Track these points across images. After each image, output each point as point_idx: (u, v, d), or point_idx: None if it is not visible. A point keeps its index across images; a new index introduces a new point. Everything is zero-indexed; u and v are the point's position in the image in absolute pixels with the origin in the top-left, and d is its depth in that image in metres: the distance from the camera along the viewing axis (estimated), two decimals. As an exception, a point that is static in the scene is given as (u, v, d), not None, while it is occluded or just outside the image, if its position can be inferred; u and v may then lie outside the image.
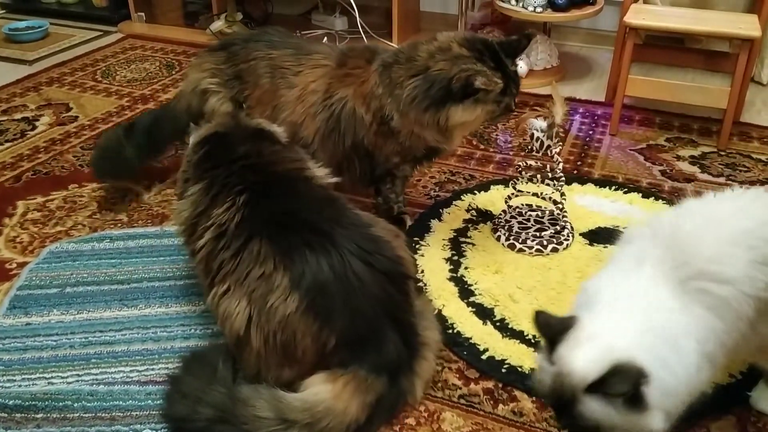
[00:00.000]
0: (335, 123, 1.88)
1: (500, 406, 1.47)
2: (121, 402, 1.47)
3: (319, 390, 1.33)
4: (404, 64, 1.79)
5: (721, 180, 2.33)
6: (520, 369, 1.54)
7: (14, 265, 1.92)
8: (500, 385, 1.52)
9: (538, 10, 2.97)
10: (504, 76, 1.74)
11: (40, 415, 1.44)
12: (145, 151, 2.20)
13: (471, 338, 1.64)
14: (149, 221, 2.11)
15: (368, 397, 1.36)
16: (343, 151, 1.90)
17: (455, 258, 1.93)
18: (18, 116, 2.81)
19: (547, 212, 2.08)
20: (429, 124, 1.78)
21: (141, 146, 2.17)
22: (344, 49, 1.96)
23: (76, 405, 1.46)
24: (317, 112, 1.89)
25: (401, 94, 1.77)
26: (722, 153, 2.51)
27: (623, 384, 1.03)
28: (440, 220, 2.11)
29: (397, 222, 1.99)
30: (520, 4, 3.01)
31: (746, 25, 2.45)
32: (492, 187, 2.28)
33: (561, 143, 1.90)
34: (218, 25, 3.62)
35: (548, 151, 1.91)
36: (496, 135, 2.63)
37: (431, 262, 1.91)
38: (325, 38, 3.53)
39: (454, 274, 1.86)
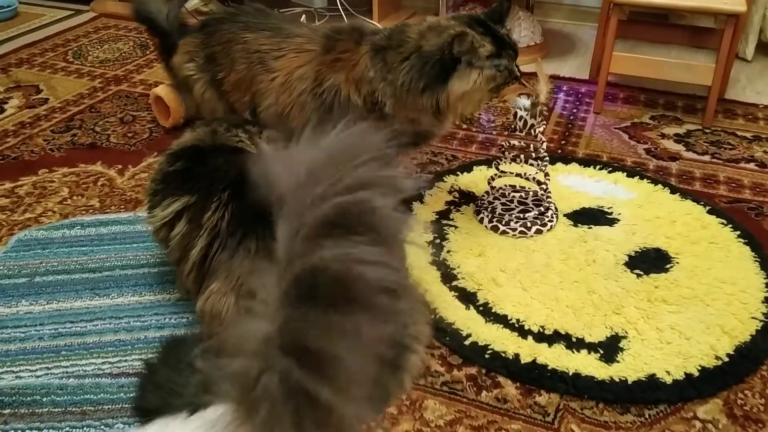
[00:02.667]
0: (327, 112, 1.81)
1: (483, 392, 1.43)
2: (92, 396, 1.42)
3: None
4: (396, 48, 1.73)
5: (706, 158, 2.30)
6: (503, 354, 1.51)
7: (-19, 254, 1.85)
8: (483, 372, 1.48)
9: (521, -15, 2.90)
10: (494, 39, 1.70)
11: (6, 411, 1.38)
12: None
13: (453, 323, 1.60)
14: (122, 207, 2.04)
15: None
16: None
17: (437, 241, 1.88)
18: (-14, 99, 2.72)
19: (531, 193, 2.04)
20: (426, 108, 1.73)
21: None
22: (328, 32, 1.87)
23: (45, 399, 1.41)
24: (306, 101, 1.82)
25: (396, 79, 1.72)
26: (707, 131, 2.48)
27: None
28: (422, 202, 2.06)
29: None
30: (503, -20, 2.94)
31: (731, 0, 2.41)
32: (475, 167, 2.23)
33: (545, 122, 1.86)
34: (194, 3, 3.51)
35: (532, 131, 1.87)
36: (479, 114, 2.58)
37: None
38: (304, 16, 3.44)
39: (436, 258, 1.82)
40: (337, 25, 1.94)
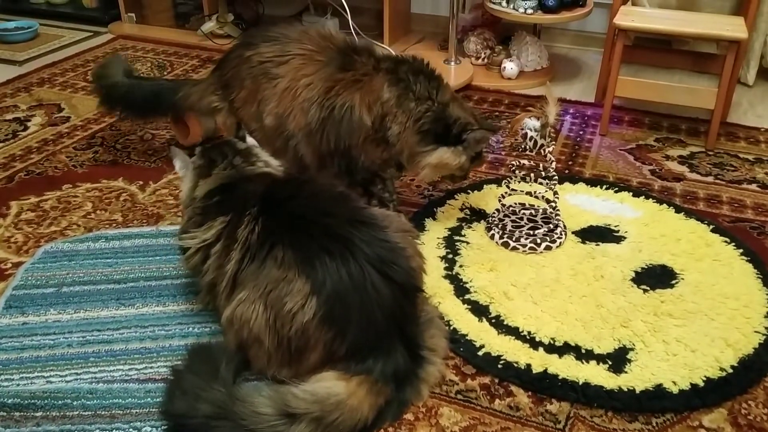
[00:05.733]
0: (334, 125, 1.89)
1: (497, 401, 1.48)
2: (120, 400, 1.47)
3: (332, 385, 1.34)
4: (425, 83, 1.88)
5: (710, 179, 2.37)
6: (515, 365, 1.56)
7: (9, 265, 1.91)
8: (496, 381, 1.53)
9: (529, 11, 3.00)
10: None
11: (39, 414, 1.44)
12: (133, 109, 2.35)
13: (467, 335, 1.65)
14: (144, 221, 2.11)
15: (379, 400, 1.38)
16: (330, 150, 1.92)
17: (450, 256, 1.95)
18: (9, 116, 2.80)
19: (540, 211, 2.10)
20: (408, 146, 1.88)
21: (133, 100, 2.33)
22: (343, 47, 1.96)
23: (75, 403, 1.46)
24: (310, 107, 1.90)
25: (414, 109, 1.86)
26: (710, 153, 2.55)
27: None
28: (434, 218, 2.13)
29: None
30: (511, 6, 3.04)
31: (733, 27, 2.50)
32: (485, 186, 2.30)
33: (553, 142, 1.93)
34: (209, 26, 3.62)
35: (541, 150, 1.94)
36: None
37: (426, 260, 1.93)
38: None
39: (449, 272, 1.88)
40: (350, 40, 2.03)
